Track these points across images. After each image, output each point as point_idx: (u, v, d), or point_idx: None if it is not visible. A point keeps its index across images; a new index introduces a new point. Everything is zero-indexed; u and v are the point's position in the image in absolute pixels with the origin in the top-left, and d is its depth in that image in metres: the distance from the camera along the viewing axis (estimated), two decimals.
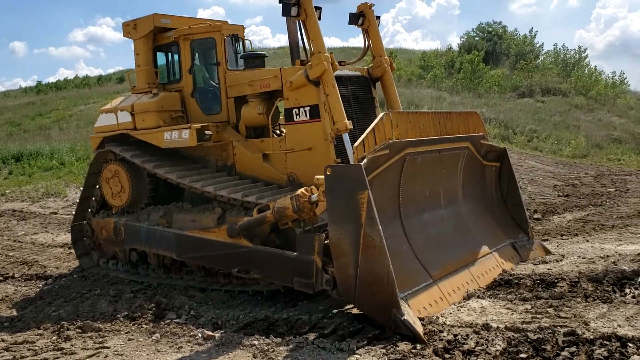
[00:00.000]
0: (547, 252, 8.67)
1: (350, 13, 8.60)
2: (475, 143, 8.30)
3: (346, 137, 7.41)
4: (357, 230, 5.82)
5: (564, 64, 36.21)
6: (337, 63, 7.72)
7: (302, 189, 6.50)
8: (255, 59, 8.68)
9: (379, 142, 6.41)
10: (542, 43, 45.70)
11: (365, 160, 6.05)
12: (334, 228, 6.01)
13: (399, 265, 6.01)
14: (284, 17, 7.76)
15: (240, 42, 9.39)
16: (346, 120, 7.25)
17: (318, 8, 7.69)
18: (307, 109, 7.72)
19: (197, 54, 9.16)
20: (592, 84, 32.18)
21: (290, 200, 6.47)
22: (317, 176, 6.40)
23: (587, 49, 40.01)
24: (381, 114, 6.71)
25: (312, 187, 6.46)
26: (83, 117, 31.24)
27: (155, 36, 9.33)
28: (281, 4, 7.46)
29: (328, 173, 5.99)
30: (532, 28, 41.10)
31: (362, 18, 8.62)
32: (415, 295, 6.21)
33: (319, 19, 7.70)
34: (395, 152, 6.60)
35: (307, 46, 7.84)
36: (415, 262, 6.68)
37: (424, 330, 5.60)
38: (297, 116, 7.82)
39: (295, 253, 6.71)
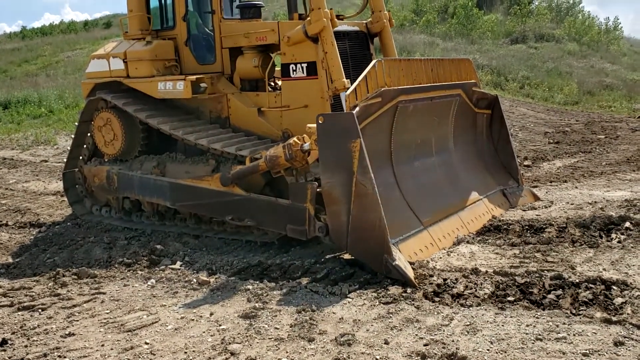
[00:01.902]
0: (537, 198, 8.80)
1: None
2: (467, 90, 8.28)
3: (344, 96, 7.36)
4: (349, 178, 5.87)
5: (557, 10, 35.74)
6: (336, 20, 7.57)
7: (294, 138, 6.50)
8: (251, 9, 8.50)
9: (371, 90, 6.39)
10: None
11: (357, 109, 6.04)
12: (326, 176, 6.05)
13: (391, 212, 6.10)
14: None
15: None
16: (344, 79, 7.14)
17: None
18: (305, 65, 7.59)
19: (191, 1, 8.95)
20: (586, 30, 31.89)
21: (283, 149, 6.48)
22: (309, 125, 6.39)
23: None
24: (373, 62, 6.66)
25: (304, 135, 6.46)
26: (70, 63, 30.75)
27: None
28: None
29: (320, 122, 5.98)
30: None
31: None
32: (406, 240, 6.33)
33: None
34: (387, 99, 6.58)
35: (306, 0, 7.67)
36: (407, 208, 6.78)
37: (414, 274, 5.73)
38: (294, 72, 7.69)
39: (288, 201, 6.77)
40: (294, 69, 7.69)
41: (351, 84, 7.26)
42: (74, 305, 5.71)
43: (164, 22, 9.26)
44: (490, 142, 9.04)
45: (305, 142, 6.39)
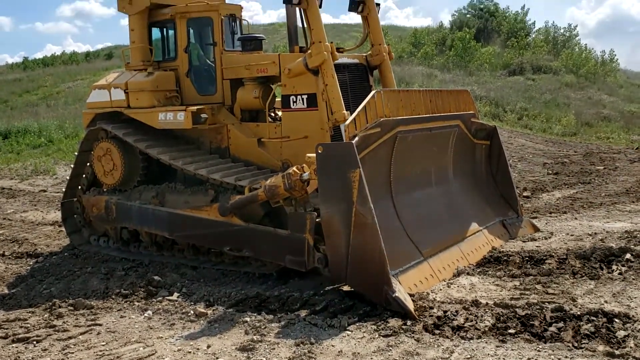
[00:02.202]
0: (536, 229, 8.76)
1: (350, 0, 8.52)
2: (466, 121, 8.32)
3: (343, 128, 7.39)
4: (348, 209, 5.85)
5: (554, 42, 36.15)
6: (336, 53, 7.64)
7: (294, 167, 6.50)
8: (252, 42, 8.60)
9: (370, 120, 6.41)
10: (534, 21, 45.53)
11: (356, 139, 6.05)
12: (325, 206, 6.03)
13: (390, 243, 6.06)
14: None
15: (238, 22, 9.28)
16: (344, 111, 7.18)
17: None
18: (305, 97, 7.64)
19: (193, 33, 9.05)
20: (583, 62, 32.19)
21: (282, 179, 6.47)
22: (309, 154, 6.40)
23: (577, 26, 39.86)
24: (373, 92, 6.70)
25: (304, 165, 6.46)
26: (71, 93, 30.94)
27: (151, 12, 9.16)
28: None
29: (320, 151, 5.99)
30: (524, 5, 40.94)
31: (362, 5, 8.53)
32: (406, 272, 6.28)
33: (320, 7, 7.60)
34: (386, 130, 6.60)
35: (307, 34, 7.75)
36: (406, 239, 6.74)
37: (414, 306, 5.67)
38: (294, 103, 7.74)
39: (287, 231, 6.73)
40: (295, 100, 7.73)
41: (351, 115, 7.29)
42: (70, 337, 5.63)
43: (165, 53, 9.36)
44: (489, 173, 9.04)
45: (304, 172, 6.39)
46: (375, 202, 5.90)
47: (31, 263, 8.97)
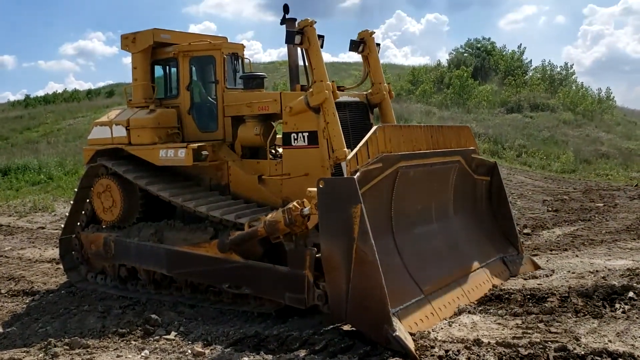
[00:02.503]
0: (537, 267, 8.70)
1: (351, 40, 8.65)
2: (467, 157, 8.34)
3: (344, 166, 7.40)
4: (349, 245, 5.80)
5: (551, 80, 36.50)
6: (337, 91, 7.71)
7: (294, 202, 6.48)
8: (254, 80, 8.70)
9: (372, 156, 6.42)
10: (531, 59, 46.07)
11: (358, 174, 6.05)
12: (326, 242, 5.99)
13: (391, 280, 6.00)
14: (283, 39, 7.76)
15: (240, 61, 9.40)
16: (345, 149, 7.22)
17: (321, 36, 7.71)
18: (306, 134, 7.69)
19: (195, 71, 9.16)
20: (580, 100, 32.46)
21: (282, 214, 6.44)
22: (310, 189, 6.39)
23: (573, 65, 40.34)
24: (374, 127, 6.72)
25: (304, 200, 6.44)
26: (72, 131, 31.11)
27: (154, 50, 9.30)
28: (285, 32, 7.52)
29: (321, 186, 5.98)
30: (521, 44, 41.38)
31: (362, 45, 8.66)
32: (407, 310, 6.20)
33: (321, 47, 7.72)
34: (388, 165, 6.61)
35: (308, 72, 7.84)
36: (407, 277, 6.68)
37: (415, 345, 5.58)
38: (295, 141, 7.78)
39: (286, 268, 6.68)
40: (296, 137, 7.76)
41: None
42: None
43: (167, 90, 9.45)
44: (489, 209, 9.02)
45: (305, 207, 6.36)
46: (376, 238, 5.86)
47: (27, 301, 8.87)
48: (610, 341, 5.59)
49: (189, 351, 6.04)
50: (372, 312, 5.71)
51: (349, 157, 6.24)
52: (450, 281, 7.19)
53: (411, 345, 5.53)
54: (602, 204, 14.78)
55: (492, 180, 9.03)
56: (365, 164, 6.26)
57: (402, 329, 5.70)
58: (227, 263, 7.28)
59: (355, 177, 5.93)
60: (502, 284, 7.83)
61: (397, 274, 6.57)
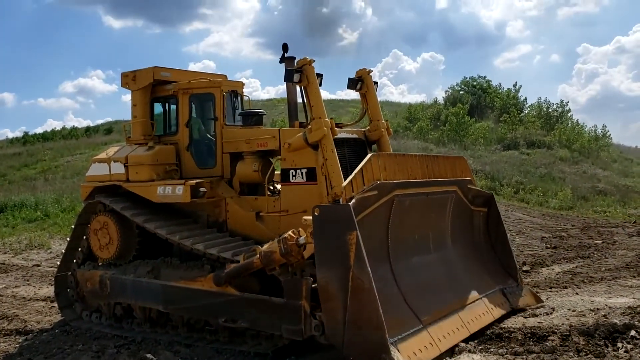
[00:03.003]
0: (538, 299, 8.63)
1: (349, 78, 8.76)
2: (463, 187, 8.35)
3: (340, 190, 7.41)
4: (345, 273, 5.76)
5: (547, 117, 36.82)
6: (336, 129, 7.76)
7: (290, 232, 6.44)
8: (253, 117, 8.75)
9: (367, 183, 6.43)
10: (526, 97, 46.49)
11: (353, 201, 6.03)
12: (322, 270, 5.94)
13: (388, 309, 5.93)
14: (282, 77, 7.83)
15: (239, 98, 9.47)
16: (344, 185, 7.24)
17: (319, 75, 7.79)
18: (304, 171, 7.67)
19: (195, 108, 9.20)
20: (576, 137, 32.70)
21: (278, 244, 6.40)
22: (305, 217, 6.35)
23: (568, 102, 40.66)
24: (369, 155, 6.74)
25: (300, 229, 6.40)
26: (69, 167, 31.15)
27: (153, 88, 9.35)
28: (284, 70, 7.60)
29: (316, 213, 5.96)
30: (516, 82, 41.85)
31: (360, 83, 8.76)
32: (405, 340, 6.09)
33: (320, 85, 7.80)
34: (383, 193, 6.60)
35: (307, 110, 7.90)
36: (405, 306, 6.60)
37: None
38: (294, 177, 7.77)
39: (282, 299, 6.59)
40: (294, 174, 7.76)
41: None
42: None
43: (167, 127, 9.48)
44: (487, 241, 8.98)
45: (300, 236, 6.32)
46: (373, 267, 5.82)
47: (20, 340, 8.71)
48: None
49: None
50: (369, 340, 5.63)
51: (344, 184, 6.24)
52: (449, 312, 7.11)
53: None
54: (600, 241, 14.73)
55: (490, 212, 9.01)
56: (360, 191, 6.25)
57: (401, 359, 5.59)
58: (223, 296, 7.19)
59: (350, 203, 5.91)
60: (501, 315, 7.74)
61: (395, 303, 6.50)
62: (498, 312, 7.81)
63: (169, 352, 7.50)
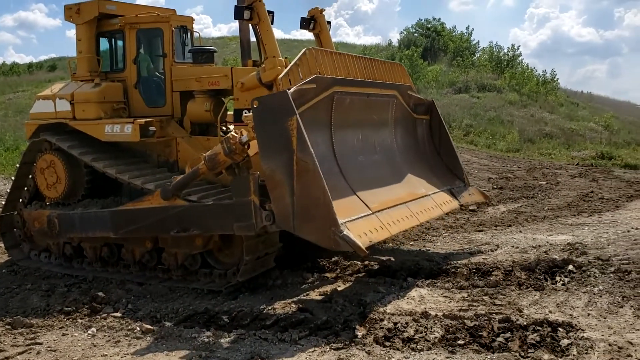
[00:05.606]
0: (486, 197, 8.91)
1: (301, 17, 8.60)
2: (403, 93, 8.43)
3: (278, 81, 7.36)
4: (289, 158, 5.83)
5: (498, 61, 37.18)
6: None
7: (232, 132, 6.44)
8: (204, 54, 8.51)
9: (304, 77, 6.45)
10: (478, 41, 46.71)
11: (292, 90, 6.04)
12: (266, 160, 5.99)
13: (337, 198, 6.04)
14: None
15: (189, 34, 9.18)
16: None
17: (271, 12, 7.60)
18: None
19: (142, 44, 8.89)
20: (525, 81, 33.21)
21: (221, 145, 6.38)
22: (246, 113, 6.34)
23: (519, 47, 41.16)
24: (304, 49, 6.73)
25: (242, 129, 6.40)
26: (12, 105, 29.90)
27: (99, 22, 8.97)
28: (234, 7, 7.37)
29: (255, 105, 5.97)
30: (469, 26, 42.01)
31: (313, 23, 8.61)
32: (355, 222, 6.20)
33: (272, 23, 7.62)
34: (322, 87, 6.63)
35: (260, 48, 7.73)
36: (354, 197, 6.73)
37: (365, 241, 5.71)
38: None
39: (231, 200, 6.63)
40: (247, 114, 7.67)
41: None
42: (7, 358, 5.38)
43: (113, 64, 9.16)
44: (432, 148, 9.17)
45: (243, 134, 6.33)
46: (320, 162, 5.87)
47: None
48: (550, 312, 5.82)
49: (138, 328, 5.97)
50: (318, 218, 5.76)
51: (280, 75, 6.23)
52: (398, 203, 7.24)
53: (360, 242, 5.62)
54: (545, 182, 15.26)
55: (432, 118, 9.18)
56: (298, 83, 6.28)
57: (350, 232, 5.75)
58: (172, 209, 7.14)
59: (289, 91, 5.92)
60: (451, 210, 7.97)
61: (343, 192, 6.60)
62: (447, 208, 8.03)
63: (121, 290, 7.50)
